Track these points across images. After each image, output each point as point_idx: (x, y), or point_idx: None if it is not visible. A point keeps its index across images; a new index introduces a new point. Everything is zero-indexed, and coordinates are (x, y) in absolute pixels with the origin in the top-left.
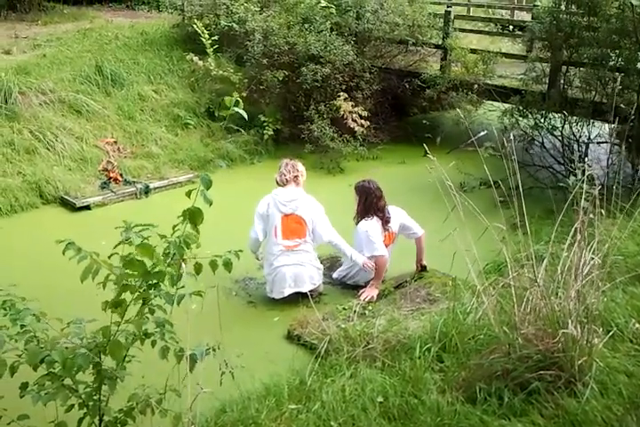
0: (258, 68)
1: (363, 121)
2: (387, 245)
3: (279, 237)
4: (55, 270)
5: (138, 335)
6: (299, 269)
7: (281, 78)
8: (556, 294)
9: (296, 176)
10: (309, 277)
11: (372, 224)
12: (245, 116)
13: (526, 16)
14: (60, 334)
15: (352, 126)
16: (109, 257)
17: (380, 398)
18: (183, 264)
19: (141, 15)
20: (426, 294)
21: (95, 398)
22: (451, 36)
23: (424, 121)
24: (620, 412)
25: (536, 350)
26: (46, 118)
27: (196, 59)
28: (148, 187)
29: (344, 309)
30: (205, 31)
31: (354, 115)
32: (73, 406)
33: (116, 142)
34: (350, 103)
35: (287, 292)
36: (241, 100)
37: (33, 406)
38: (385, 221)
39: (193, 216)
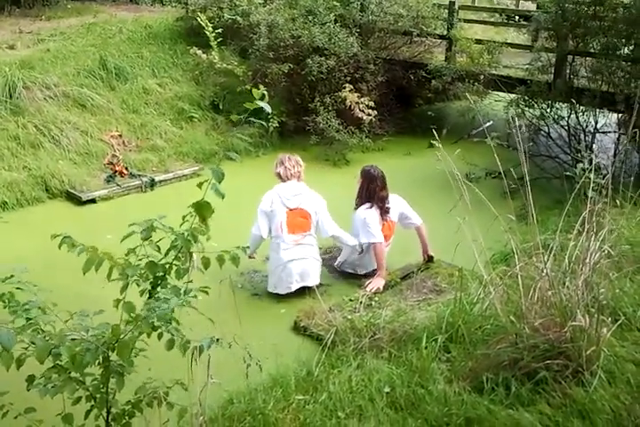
0: (262, 61)
1: (370, 111)
2: (388, 236)
3: (285, 232)
4: (61, 265)
5: (145, 329)
6: (305, 264)
7: (286, 71)
8: (564, 283)
9: (299, 171)
10: (314, 270)
11: (370, 212)
12: (269, 110)
13: (531, 6)
14: (66, 327)
15: (360, 116)
16: (126, 255)
17: (386, 389)
18: (194, 256)
19: (145, 9)
20: (432, 285)
21: (103, 390)
22: (455, 27)
23: (429, 112)
24: (628, 401)
25: (543, 340)
26: (51, 113)
27: (199, 52)
28: (153, 180)
29: (350, 300)
30: (209, 24)
31: (361, 105)
32: (80, 398)
33: (120, 136)
34: (356, 94)
35: (294, 287)
36: (266, 94)
37: (40, 398)
38: (384, 211)
39: (201, 209)
